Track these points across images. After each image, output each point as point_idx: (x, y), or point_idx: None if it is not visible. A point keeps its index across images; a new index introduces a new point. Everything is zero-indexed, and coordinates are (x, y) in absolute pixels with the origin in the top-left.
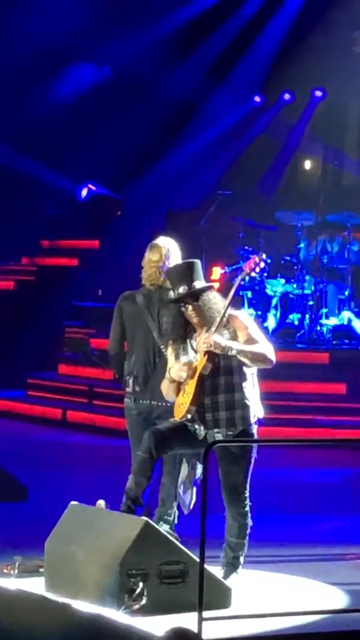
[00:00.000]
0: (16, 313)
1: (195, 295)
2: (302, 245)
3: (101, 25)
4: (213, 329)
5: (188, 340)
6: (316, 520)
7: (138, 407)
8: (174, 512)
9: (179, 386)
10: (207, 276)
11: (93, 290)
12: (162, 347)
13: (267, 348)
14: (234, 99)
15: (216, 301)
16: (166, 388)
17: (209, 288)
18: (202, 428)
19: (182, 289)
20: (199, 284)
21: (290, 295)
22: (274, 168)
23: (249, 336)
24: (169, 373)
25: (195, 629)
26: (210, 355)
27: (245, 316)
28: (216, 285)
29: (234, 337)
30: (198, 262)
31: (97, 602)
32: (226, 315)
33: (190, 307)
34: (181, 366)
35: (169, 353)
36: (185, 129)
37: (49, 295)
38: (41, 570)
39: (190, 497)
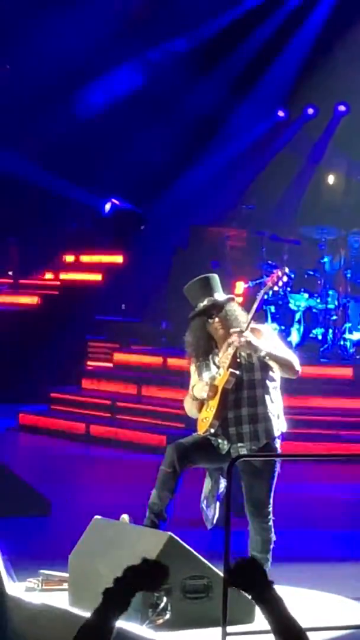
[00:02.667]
0: (40, 328)
1: (219, 307)
2: (325, 259)
3: (124, 42)
4: (250, 315)
5: (210, 356)
6: (340, 536)
7: None
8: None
9: (202, 403)
10: (231, 290)
11: (117, 304)
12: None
13: (293, 357)
14: (257, 113)
15: (240, 313)
16: (189, 405)
17: (231, 299)
18: (225, 442)
19: (205, 302)
20: (220, 295)
21: (314, 310)
22: (298, 182)
23: (275, 343)
24: (192, 391)
25: None
26: (234, 369)
27: (268, 329)
28: (239, 299)
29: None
30: (215, 276)
31: (121, 616)
32: (249, 328)
33: (216, 319)
34: (204, 385)
35: (192, 370)
36: (208, 143)
37: (72, 310)
38: (65, 584)
39: (213, 512)
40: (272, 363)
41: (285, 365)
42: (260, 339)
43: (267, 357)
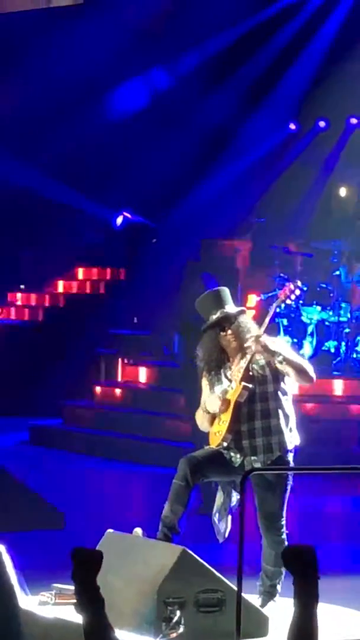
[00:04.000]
0: (51, 341)
1: (231, 319)
2: (338, 272)
3: (137, 56)
4: (262, 328)
5: (222, 370)
6: (351, 548)
7: None
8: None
9: (213, 416)
10: (243, 303)
11: (129, 317)
12: None
13: (308, 364)
14: (269, 126)
15: (252, 325)
16: (201, 418)
17: (243, 312)
18: (237, 455)
19: (218, 314)
20: (231, 308)
21: (326, 323)
22: (310, 195)
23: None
24: (204, 404)
25: None
26: (247, 382)
27: (281, 342)
28: (252, 312)
29: (269, 363)
30: (226, 289)
31: (135, 630)
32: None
33: (229, 332)
34: (216, 399)
35: (204, 384)
36: (220, 156)
37: (84, 323)
38: None
39: (225, 525)
40: (287, 369)
41: (301, 371)
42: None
43: (284, 362)
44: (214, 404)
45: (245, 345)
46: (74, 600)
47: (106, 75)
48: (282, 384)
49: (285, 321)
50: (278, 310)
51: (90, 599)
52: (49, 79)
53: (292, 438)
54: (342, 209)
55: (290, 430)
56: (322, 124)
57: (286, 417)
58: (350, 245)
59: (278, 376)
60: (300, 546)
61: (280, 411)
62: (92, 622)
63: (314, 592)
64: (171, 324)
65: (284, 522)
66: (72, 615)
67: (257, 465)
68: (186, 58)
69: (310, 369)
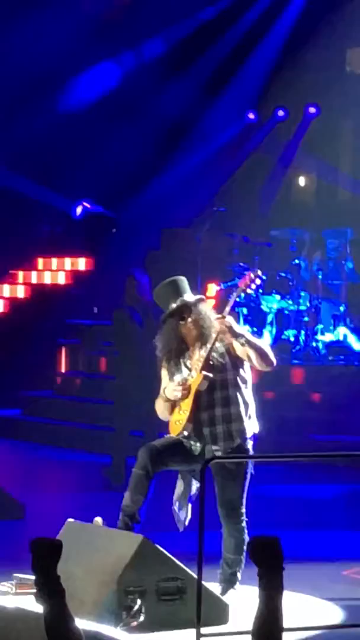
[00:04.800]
0: (11, 332)
1: (190, 308)
2: (297, 261)
3: (94, 45)
4: (227, 308)
5: (182, 359)
6: (313, 536)
7: None
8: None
9: (173, 405)
10: (203, 293)
11: (89, 307)
12: None
13: (269, 348)
14: (227, 116)
15: (211, 313)
16: (161, 407)
17: (201, 300)
18: (198, 444)
19: (178, 302)
20: (189, 296)
21: (286, 312)
22: (269, 184)
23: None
24: (163, 392)
25: None
26: (207, 371)
27: (240, 328)
28: (212, 301)
29: (229, 350)
30: (183, 278)
31: (95, 619)
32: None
33: (189, 320)
34: (176, 386)
35: (163, 374)
36: (179, 146)
37: (44, 314)
38: None
39: (185, 514)
40: (249, 352)
41: (262, 354)
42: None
43: (247, 344)
44: (174, 390)
45: (210, 327)
46: (35, 590)
47: (64, 64)
48: (241, 371)
49: (245, 310)
50: (238, 299)
51: (50, 589)
52: (5, 67)
53: (252, 426)
54: (301, 198)
55: (250, 417)
56: (280, 113)
57: (246, 404)
58: (308, 235)
59: (237, 364)
60: (264, 537)
61: (240, 399)
62: (52, 613)
63: (278, 583)
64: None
65: (244, 510)
66: (33, 605)
67: (218, 453)
68: (145, 48)
69: (271, 353)
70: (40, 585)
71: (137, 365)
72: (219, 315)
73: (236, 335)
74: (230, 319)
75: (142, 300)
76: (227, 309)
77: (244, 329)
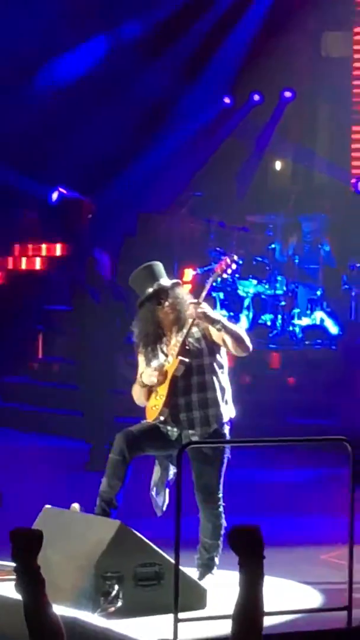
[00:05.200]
0: None
1: (166, 292)
2: (273, 246)
3: (69, 28)
4: (203, 294)
5: (158, 344)
6: (291, 521)
7: None
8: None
9: (150, 391)
10: (180, 278)
11: (66, 293)
12: None
13: (245, 334)
14: (203, 100)
15: (188, 297)
16: (137, 393)
17: (178, 284)
18: (175, 429)
19: (155, 286)
20: (165, 281)
21: (263, 296)
22: (245, 169)
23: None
24: (140, 378)
25: (171, 631)
26: (183, 357)
27: (215, 313)
28: (188, 286)
29: (205, 335)
30: (159, 263)
31: (73, 605)
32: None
33: (166, 304)
34: (152, 371)
35: (140, 360)
36: (155, 131)
37: (20, 299)
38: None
39: (163, 499)
40: (225, 337)
41: (238, 339)
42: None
43: (222, 330)
44: (151, 375)
45: (186, 312)
46: (13, 577)
47: (40, 48)
48: (218, 356)
49: (221, 295)
50: (214, 284)
51: (30, 579)
52: None
53: (228, 410)
54: (277, 182)
55: (226, 402)
56: (256, 97)
57: (222, 389)
58: (284, 219)
59: (214, 349)
60: (245, 526)
61: (216, 384)
62: (31, 602)
63: (259, 571)
64: (127, 297)
65: (221, 495)
66: (11, 591)
67: (195, 438)
68: (121, 31)
69: (247, 338)
70: (20, 575)
71: (96, 345)
72: (195, 301)
73: (212, 322)
74: (205, 305)
75: (101, 279)
76: (203, 294)
77: (219, 315)
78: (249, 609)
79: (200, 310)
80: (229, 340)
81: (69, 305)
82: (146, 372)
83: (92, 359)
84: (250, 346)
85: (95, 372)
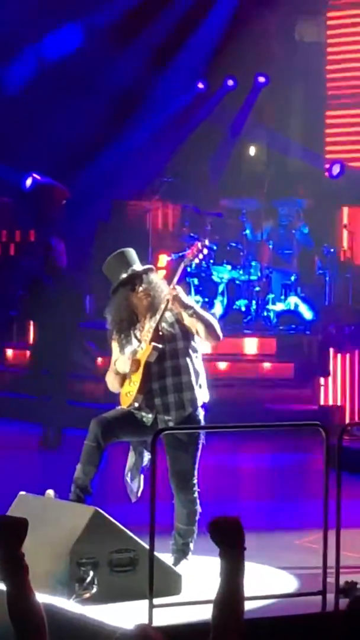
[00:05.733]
0: None
1: (140, 277)
2: (247, 231)
3: (42, 15)
4: (175, 279)
5: (132, 331)
6: (266, 506)
7: None
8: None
9: (124, 377)
10: (154, 264)
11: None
12: None
13: (216, 322)
14: (177, 86)
15: (162, 282)
16: (111, 380)
17: (151, 269)
18: (150, 415)
19: (128, 272)
20: (138, 266)
21: (237, 282)
22: (219, 154)
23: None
24: (114, 365)
25: (146, 616)
26: (156, 342)
27: (189, 299)
28: (163, 272)
29: (178, 320)
30: (131, 249)
31: (48, 591)
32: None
33: (140, 289)
34: (126, 360)
35: (114, 346)
36: (129, 116)
37: None
38: None
39: (137, 485)
40: (197, 324)
41: (209, 327)
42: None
43: (194, 316)
44: (124, 364)
45: (161, 295)
46: None
47: (12, 35)
48: (191, 341)
49: (196, 280)
50: (189, 269)
51: (15, 566)
52: None
53: (203, 394)
54: (251, 167)
55: (200, 386)
56: (230, 82)
57: (196, 373)
58: (259, 204)
59: (187, 333)
60: (225, 518)
61: (190, 367)
62: (14, 589)
63: (240, 564)
64: (83, 284)
65: (195, 481)
66: None
67: (171, 423)
68: (93, 18)
69: (218, 327)
70: (4, 563)
71: (50, 331)
72: (169, 287)
73: (185, 307)
74: (179, 289)
75: (57, 267)
76: (175, 279)
77: (192, 301)
78: (229, 601)
79: (174, 293)
80: (200, 327)
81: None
82: (120, 360)
83: (47, 345)
84: (221, 335)
85: (50, 357)
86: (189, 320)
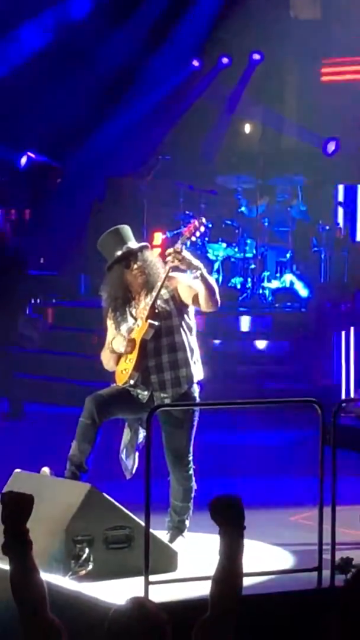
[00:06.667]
0: None
1: (135, 254)
2: (243, 209)
3: None
4: (179, 244)
5: (127, 308)
6: (260, 483)
7: None
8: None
9: (119, 355)
10: (149, 241)
11: (35, 258)
12: None
13: (217, 287)
14: (172, 63)
15: (157, 259)
16: (107, 358)
17: (146, 247)
18: (145, 392)
19: (123, 249)
20: (133, 244)
21: (232, 259)
22: (214, 132)
23: (193, 286)
24: (110, 344)
25: (142, 593)
26: (152, 320)
27: (184, 275)
28: (158, 250)
29: (174, 296)
30: (127, 226)
31: (44, 569)
32: (167, 276)
33: (135, 266)
34: (122, 339)
35: (109, 324)
36: (124, 95)
37: None
38: None
39: (132, 462)
40: (202, 286)
41: (211, 291)
42: (177, 282)
43: (200, 277)
44: (120, 343)
45: (157, 272)
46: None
47: (5, 13)
48: (187, 317)
49: None
50: (183, 247)
51: (19, 542)
52: None
53: (198, 371)
54: (246, 145)
55: (195, 363)
56: (225, 60)
57: (192, 350)
58: (254, 182)
59: (183, 310)
60: (226, 497)
61: (186, 344)
62: (18, 564)
63: (239, 543)
64: (79, 263)
65: (191, 458)
66: None
67: (167, 400)
68: None
69: (218, 293)
70: (9, 538)
71: None
72: (171, 250)
73: (192, 266)
74: (186, 252)
75: None
76: (180, 243)
77: (199, 262)
78: (227, 580)
79: (181, 252)
80: (202, 291)
81: (39, 270)
82: (117, 340)
83: None
84: (219, 301)
85: None
86: (186, 292)
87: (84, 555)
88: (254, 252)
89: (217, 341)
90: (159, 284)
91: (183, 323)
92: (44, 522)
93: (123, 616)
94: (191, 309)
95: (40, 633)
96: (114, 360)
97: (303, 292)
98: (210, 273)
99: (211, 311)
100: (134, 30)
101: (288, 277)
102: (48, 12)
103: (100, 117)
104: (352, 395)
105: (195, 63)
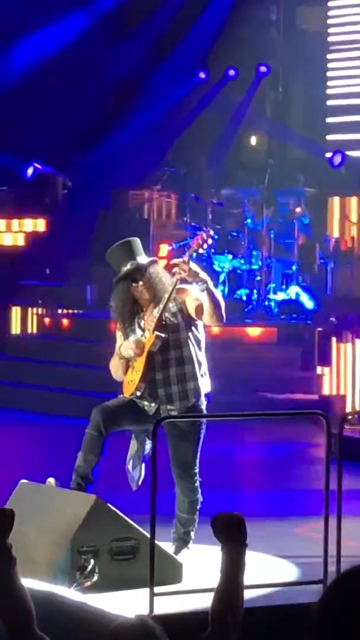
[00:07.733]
0: None
1: (142, 270)
2: (249, 220)
3: (42, 4)
4: (187, 255)
5: (136, 320)
6: (265, 494)
7: None
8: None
9: (127, 365)
10: (155, 253)
11: (40, 269)
12: None
13: (223, 302)
14: (178, 75)
15: (164, 274)
16: (115, 366)
17: (154, 262)
18: (152, 404)
19: (129, 266)
20: (143, 259)
21: (238, 271)
22: (220, 144)
23: (200, 299)
24: (118, 350)
25: (147, 605)
26: (159, 332)
27: (193, 288)
28: (164, 262)
29: (181, 309)
30: (137, 239)
31: (49, 580)
32: (175, 290)
33: (140, 283)
34: (130, 344)
35: (118, 335)
36: (130, 106)
37: None
38: None
39: (139, 474)
40: (206, 300)
41: (216, 305)
42: (185, 295)
43: (205, 290)
44: (129, 348)
45: (163, 288)
46: None
47: (13, 23)
48: (195, 330)
49: None
50: (190, 259)
51: (2, 558)
52: None
53: (205, 384)
54: (252, 157)
55: (203, 376)
56: (231, 72)
57: (199, 363)
58: (260, 194)
59: (191, 323)
60: (228, 514)
61: (194, 357)
62: (2, 582)
63: (241, 560)
64: (84, 274)
65: (197, 470)
66: None
67: (174, 413)
68: (95, 7)
69: (223, 308)
70: None
71: None
72: (179, 260)
73: (199, 279)
74: (192, 264)
75: None
76: (187, 255)
77: (206, 275)
78: (228, 599)
79: (187, 267)
80: (208, 305)
81: (45, 281)
82: (124, 345)
83: None
84: (225, 316)
85: None
86: (193, 306)
87: (89, 567)
88: (260, 263)
89: (223, 352)
90: (167, 295)
91: (191, 336)
92: (49, 533)
93: (125, 632)
94: (200, 322)
95: None
96: (122, 368)
97: (309, 304)
98: (216, 285)
99: (215, 325)
100: (140, 42)
101: (293, 289)
102: (55, 24)
103: (107, 128)
104: (357, 407)
105: (202, 75)
